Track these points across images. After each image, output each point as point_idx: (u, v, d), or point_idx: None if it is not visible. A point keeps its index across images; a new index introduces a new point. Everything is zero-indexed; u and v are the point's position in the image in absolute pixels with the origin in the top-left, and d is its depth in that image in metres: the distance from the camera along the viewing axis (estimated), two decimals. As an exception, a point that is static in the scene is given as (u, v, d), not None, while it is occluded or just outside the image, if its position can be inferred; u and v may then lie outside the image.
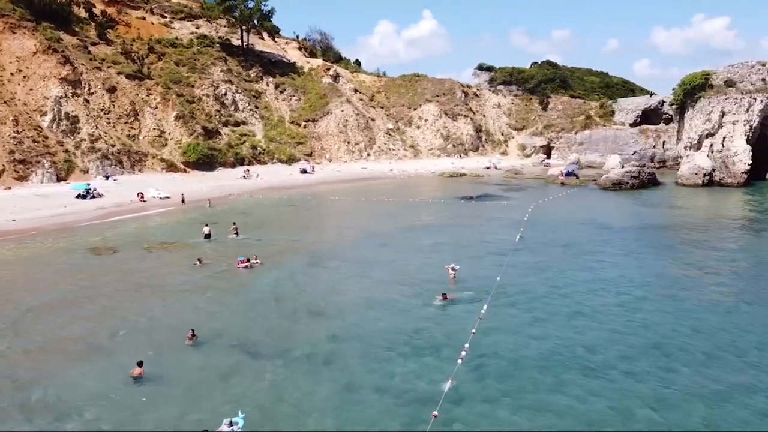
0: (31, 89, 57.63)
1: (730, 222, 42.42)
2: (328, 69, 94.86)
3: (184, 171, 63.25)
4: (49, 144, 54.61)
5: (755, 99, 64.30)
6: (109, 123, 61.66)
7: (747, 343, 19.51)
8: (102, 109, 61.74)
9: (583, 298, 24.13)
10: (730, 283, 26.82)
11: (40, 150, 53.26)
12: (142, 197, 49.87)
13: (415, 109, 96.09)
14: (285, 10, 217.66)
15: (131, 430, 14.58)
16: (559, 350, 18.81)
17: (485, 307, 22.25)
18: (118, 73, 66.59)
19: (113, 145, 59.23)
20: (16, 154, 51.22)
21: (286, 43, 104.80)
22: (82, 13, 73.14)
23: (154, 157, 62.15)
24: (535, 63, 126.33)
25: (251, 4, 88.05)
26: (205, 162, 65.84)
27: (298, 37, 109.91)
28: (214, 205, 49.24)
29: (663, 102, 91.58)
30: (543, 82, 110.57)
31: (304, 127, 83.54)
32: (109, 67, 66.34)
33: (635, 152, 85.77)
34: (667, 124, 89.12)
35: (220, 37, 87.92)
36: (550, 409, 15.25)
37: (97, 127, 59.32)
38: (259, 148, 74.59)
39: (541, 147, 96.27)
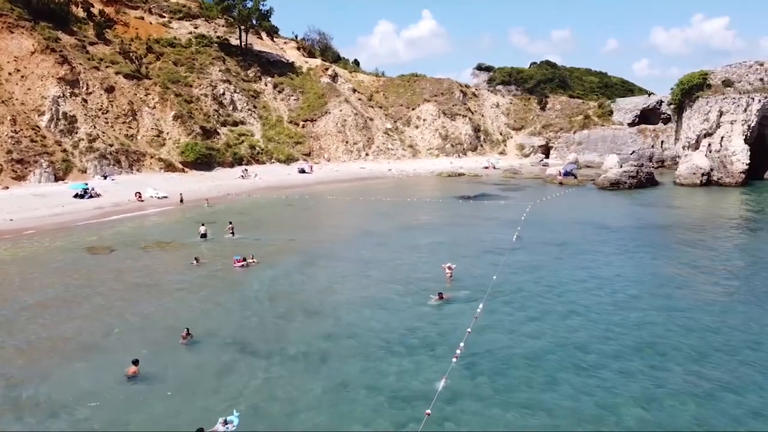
0: (29, 89, 57.65)
1: (727, 221, 42.44)
2: (327, 69, 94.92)
3: (183, 171, 63.28)
4: (47, 144, 54.61)
5: (753, 99, 64.35)
6: (107, 123, 61.67)
7: (740, 342, 19.52)
8: (100, 109, 61.75)
9: (578, 298, 24.15)
10: (725, 282, 26.81)
11: (37, 150, 53.27)
12: (140, 197, 49.89)
13: (413, 109, 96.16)
14: (285, 10, 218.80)
15: (127, 428, 14.57)
16: (554, 349, 18.82)
17: (481, 306, 22.26)
18: (116, 73, 66.62)
19: (111, 145, 59.24)
20: (13, 153, 51.21)
21: (285, 43, 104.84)
22: (80, 13, 73.20)
23: (152, 157, 62.17)
24: (534, 63, 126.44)
25: (250, 4, 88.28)
26: (204, 162, 65.86)
27: (296, 37, 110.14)
28: (212, 204, 49.25)
29: (661, 102, 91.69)
30: (542, 82, 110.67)
31: (303, 126, 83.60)
32: (107, 66, 66.37)
33: (633, 152, 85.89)
34: (665, 124, 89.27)
35: (218, 37, 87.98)
36: (543, 408, 15.25)
37: (95, 127, 59.33)
38: (257, 148, 74.63)
39: (539, 147, 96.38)
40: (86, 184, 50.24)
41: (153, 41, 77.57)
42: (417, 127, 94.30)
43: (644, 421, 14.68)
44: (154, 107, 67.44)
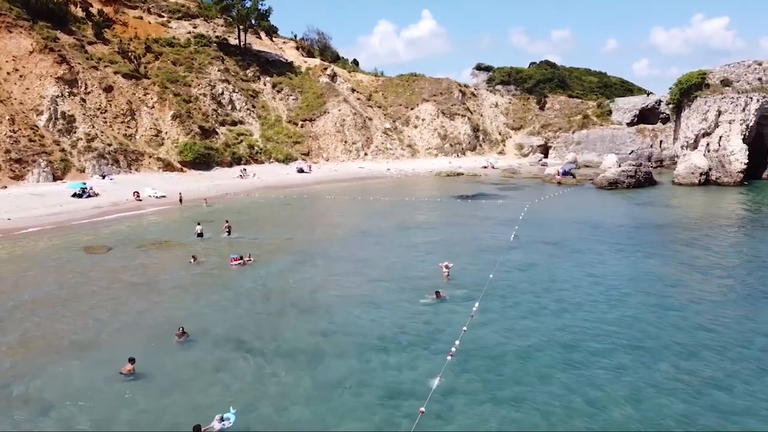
0: (27, 88, 57.64)
1: (724, 221, 42.47)
2: (326, 68, 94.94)
3: (181, 170, 63.28)
4: (46, 143, 54.61)
5: (751, 98, 64.40)
6: (106, 122, 61.66)
7: (732, 339, 19.56)
8: (98, 109, 61.75)
9: (573, 296, 24.17)
10: (720, 281, 26.87)
11: (36, 149, 53.26)
12: (138, 196, 49.89)
13: (412, 109, 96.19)
14: (285, 11, 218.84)
15: (123, 426, 14.57)
16: (548, 347, 18.86)
17: (477, 304, 22.29)
18: (115, 73, 66.61)
19: (110, 145, 59.24)
20: (12, 153, 51.20)
21: (284, 42, 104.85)
22: (79, 13, 73.23)
23: (150, 157, 62.17)
24: (534, 63, 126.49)
25: (248, 4, 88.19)
26: (202, 161, 65.86)
27: (295, 36, 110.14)
28: (210, 204, 49.27)
29: (660, 101, 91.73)
30: (541, 82, 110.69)
31: (302, 126, 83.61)
32: (105, 66, 66.36)
33: (632, 151, 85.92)
34: (664, 124, 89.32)
35: (217, 37, 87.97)
36: (536, 406, 15.26)
37: (93, 127, 59.33)
38: (256, 148, 74.63)
39: (538, 146, 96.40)
40: (84, 184, 50.24)
41: (152, 41, 77.56)
42: (416, 126, 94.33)
43: (640, 420, 14.71)
44: (153, 107, 67.44)
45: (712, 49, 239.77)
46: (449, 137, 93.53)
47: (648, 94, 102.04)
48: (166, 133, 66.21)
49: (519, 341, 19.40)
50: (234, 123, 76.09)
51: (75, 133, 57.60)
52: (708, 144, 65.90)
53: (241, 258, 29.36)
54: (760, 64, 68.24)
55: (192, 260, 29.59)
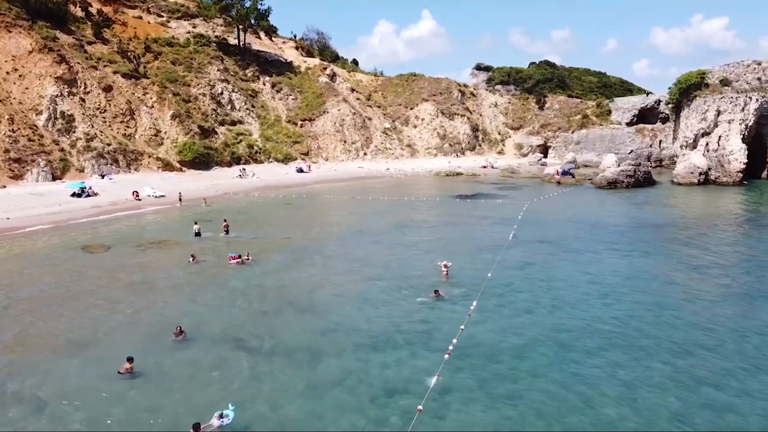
0: (26, 88, 57.61)
1: (722, 220, 42.49)
2: (325, 68, 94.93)
3: (180, 170, 63.25)
4: (45, 143, 54.58)
5: (751, 98, 64.45)
6: (105, 122, 61.64)
7: (726, 337, 19.64)
8: (98, 108, 61.72)
9: (571, 296, 24.20)
10: (716, 280, 26.89)
11: (35, 149, 53.23)
12: (137, 196, 49.89)
13: (411, 109, 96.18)
14: (284, 11, 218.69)
15: (121, 424, 14.58)
16: (545, 346, 18.90)
17: (474, 303, 22.33)
18: (114, 72, 66.58)
19: (109, 144, 59.22)
20: (11, 152, 51.16)
21: (283, 42, 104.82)
22: (79, 12, 73.19)
23: (150, 156, 62.15)
24: (534, 63, 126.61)
25: (248, 3, 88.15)
26: (201, 161, 65.83)
27: (295, 36, 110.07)
28: (210, 204, 49.28)
29: (659, 101, 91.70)
30: (541, 82, 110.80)
31: (301, 126, 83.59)
32: (105, 66, 66.34)
33: (632, 151, 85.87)
34: (663, 124, 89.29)
35: (216, 37, 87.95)
36: (533, 405, 15.31)
37: (92, 126, 59.31)
38: (255, 147, 74.60)
39: (537, 146, 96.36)
40: (83, 183, 50.24)
41: (151, 41, 77.52)
42: (415, 126, 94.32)
43: (637, 418, 14.75)
44: (152, 106, 67.42)
45: (712, 49, 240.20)
46: (448, 137, 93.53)
47: (647, 94, 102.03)
48: (166, 132, 66.19)
49: (516, 340, 19.43)
50: (233, 123, 76.06)
51: (74, 132, 57.57)
52: (707, 144, 65.93)
53: (240, 257, 29.38)
54: (759, 64, 68.30)
55: (191, 259, 29.61)
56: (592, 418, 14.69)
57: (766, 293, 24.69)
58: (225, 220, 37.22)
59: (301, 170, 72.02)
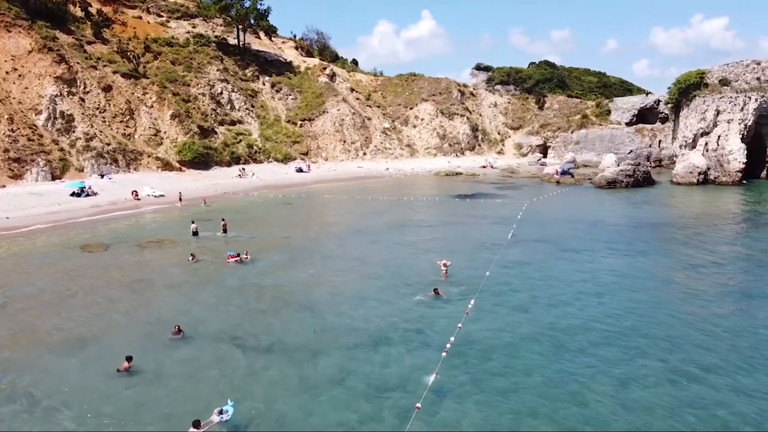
0: (26, 88, 57.64)
1: (721, 220, 42.49)
2: (325, 68, 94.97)
3: (180, 170, 63.27)
4: (44, 142, 54.61)
5: (750, 98, 64.48)
6: (105, 122, 61.67)
7: (721, 336, 19.71)
8: (97, 108, 61.75)
9: (569, 295, 24.22)
10: (714, 278, 26.92)
11: (34, 148, 53.26)
12: (137, 195, 49.91)
13: (411, 109, 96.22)
14: (284, 11, 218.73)
15: (122, 422, 14.58)
16: (541, 344, 18.96)
17: (472, 301, 22.36)
18: (114, 72, 66.62)
19: (108, 144, 59.25)
20: (10, 152, 51.19)
21: (283, 42, 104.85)
22: (78, 12, 73.25)
23: (149, 156, 62.18)
24: (533, 63, 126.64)
25: (247, 3, 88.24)
26: (201, 161, 65.86)
27: (295, 36, 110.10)
28: (209, 203, 49.30)
29: (659, 101, 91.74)
30: (540, 82, 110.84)
31: (300, 126, 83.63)
32: (104, 66, 66.38)
33: (631, 151, 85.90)
34: (663, 124, 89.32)
35: (216, 37, 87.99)
36: (529, 402, 15.35)
37: (92, 126, 59.34)
38: (255, 147, 74.63)
39: (537, 146, 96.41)
40: (83, 183, 50.25)
41: (151, 40, 77.56)
42: (415, 126, 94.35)
43: (637, 417, 14.80)
44: (152, 106, 67.44)
45: (712, 50, 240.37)
46: (448, 137, 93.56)
47: (647, 94, 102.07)
48: (165, 132, 66.22)
49: (513, 338, 19.49)
50: (233, 122, 76.09)
51: (74, 132, 57.59)
52: (706, 143, 65.95)
53: (238, 255, 29.42)
54: (758, 64, 68.36)
55: (191, 258, 29.62)
56: (587, 414, 14.73)
57: (763, 292, 24.71)
58: (223, 220, 37.26)
59: (300, 170, 72.05)
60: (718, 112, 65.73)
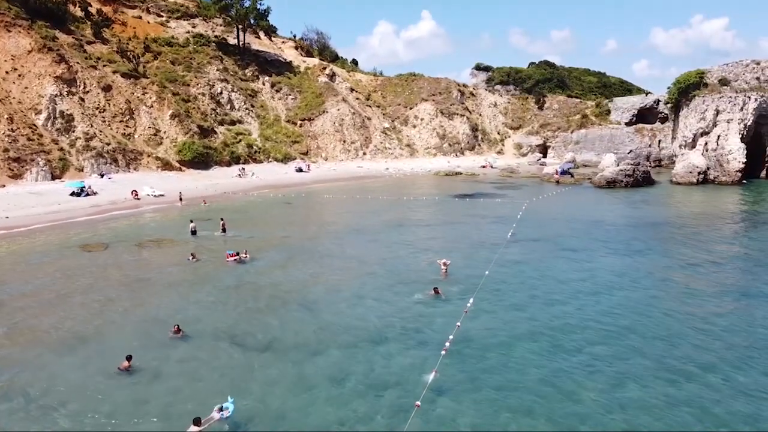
0: (26, 87, 57.65)
1: (720, 219, 42.51)
2: (324, 68, 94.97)
3: (180, 169, 63.28)
4: (44, 142, 54.62)
5: (750, 97, 64.50)
6: (104, 121, 61.68)
7: (720, 335, 19.76)
8: (97, 108, 61.76)
9: (567, 294, 24.26)
10: (709, 277, 26.99)
11: (34, 148, 53.27)
12: (137, 195, 49.92)
13: (411, 108, 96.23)
14: (284, 11, 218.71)
15: (122, 421, 14.60)
16: (538, 342, 19.01)
17: (471, 300, 22.38)
18: (114, 72, 66.62)
19: (108, 144, 59.26)
20: (10, 152, 51.20)
21: (283, 42, 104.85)
22: (78, 12, 73.26)
23: (149, 156, 62.18)
24: (533, 63, 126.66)
25: (247, 3, 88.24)
26: (201, 160, 65.85)
27: (294, 36, 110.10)
28: (209, 203, 49.32)
29: (659, 101, 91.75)
30: (540, 82, 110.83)
31: (300, 126, 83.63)
32: (104, 65, 66.39)
33: (631, 151, 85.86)
34: (662, 123, 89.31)
35: (216, 36, 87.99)
36: (527, 402, 15.38)
37: (92, 126, 59.34)
38: (254, 147, 74.62)
39: (537, 146, 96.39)
40: (83, 183, 50.25)
41: (150, 40, 77.55)
42: (414, 126, 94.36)
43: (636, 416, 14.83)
44: (152, 106, 67.44)
45: (712, 50, 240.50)
46: (448, 137, 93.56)
47: (646, 94, 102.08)
48: (165, 132, 66.22)
49: (512, 336, 19.53)
50: (233, 122, 76.09)
51: (73, 132, 57.60)
52: (706, 143, 65.96)
53: (237, 254, 29.44)
54: (758, 64, 68.39)
55: (191, 257, 29.63)
56: (584, 412, 14.77)
57: (761, 291, 24.73)
58: (221, 219, 37.30)
59: (300, 170, 72.06)
60: (717, 112, 65.76)
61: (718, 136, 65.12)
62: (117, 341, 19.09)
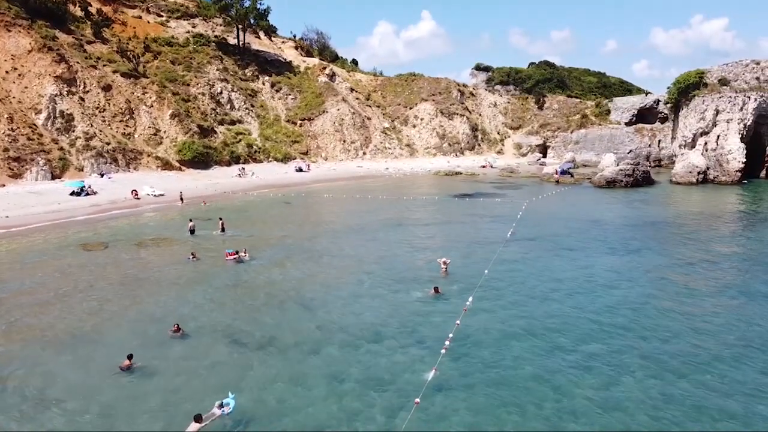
0: (26, 87, 57.66)
1: (719, 219, 42.54)
2: (324, 68, 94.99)
3: (180, 169, 63.29)
4: (44, 142, 54.63)
5: (749, 97, 64.54)
6: (104, 121, 61.68)
7: (717, 333, 19.81)
8: (97, 108, 61.78)
9: (566, 293, 24.28)
10: (707, 276, 27.01)
11: (34, 148, 53.27)
12: (137, 195, 49.93)
13: (411, 108, 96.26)
14: (284, 11, 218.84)
15: (122, 420, 14.62)
16: (540, 342, 19.02)
17: (471, 299, 22.41)
18: (114, 72, 66.63)
19: (108, 143, 59.27)
20: (10, 151, 51.20)
21: (283, 42, 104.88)
22: (78, 12, 73.26)
23: (149, 156, 62.19)
24: (533, 63, 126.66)
25: (247, 3, 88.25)
26: (201, 160, 65.86)
27: (294, 36, 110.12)
28: (209, 202, 49.33)
29: (658, 101, 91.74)
30: (540, 82, 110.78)
31: (300, 125, 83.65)
32: (104, 65, 66.40)
33: (630, 151, 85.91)
34: (662, 123, 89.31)
35: (216, 36, 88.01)
36: (526, 400, 15.41)
37: (92, 125, 59.36)
38: (254, 147, 74.64)
39: (536, 146, 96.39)
40: (83, 182, 50.26)
41: (150, 40, 77.57)
42: (414, 126, 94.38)
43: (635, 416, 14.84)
44: (152, 106, 67.46)
45: (712, 50, 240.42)
46: (448, 137, 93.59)
47: (646, 94, 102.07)
48: (165, 132, 66.24)
49: (511, 334, 19.57)
50: (233, 122, 76.11)
51: (73, 131, 57.61)
52: (706, 143, 66.00)
53: (237, 253, 29.46)
54: (758, 64, 68.43)
55: (191, 257, 29.64)
56: (582, 410, 14.79)
57: (758, 290, 24.73)
58: (220, 218, 37.34)
59: (300, 170, 72.08)
60: (717, 112, 65.80)
61: (718, 136, 65.16)
62: (116, 340, 19.12)
